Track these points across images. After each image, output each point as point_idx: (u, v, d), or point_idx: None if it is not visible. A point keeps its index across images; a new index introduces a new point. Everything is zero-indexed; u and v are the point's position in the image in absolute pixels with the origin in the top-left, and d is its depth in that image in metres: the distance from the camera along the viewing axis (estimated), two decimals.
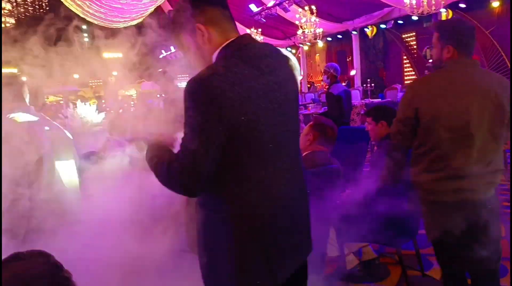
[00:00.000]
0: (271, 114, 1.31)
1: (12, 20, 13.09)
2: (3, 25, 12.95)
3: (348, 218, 2.74)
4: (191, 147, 1.22)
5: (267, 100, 1.30)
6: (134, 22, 16.11)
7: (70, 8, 13.89)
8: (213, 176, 1.27)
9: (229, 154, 1.25)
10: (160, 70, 4.56)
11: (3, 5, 12.01)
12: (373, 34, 13.24)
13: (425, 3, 8.87)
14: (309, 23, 12.19)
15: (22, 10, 13.09)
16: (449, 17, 9.77)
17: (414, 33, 13.85)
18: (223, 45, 1.34)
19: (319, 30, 12.35)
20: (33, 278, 1.10)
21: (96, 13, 14.20)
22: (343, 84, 6.92)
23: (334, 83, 5.54)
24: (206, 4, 1.37)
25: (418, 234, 3.00)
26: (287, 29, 15.04)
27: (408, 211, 2.59)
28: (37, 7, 13.19)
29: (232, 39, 1.35)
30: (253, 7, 13.08)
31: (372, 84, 11.28)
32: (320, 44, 14.71)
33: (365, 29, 13.32)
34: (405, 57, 14.58)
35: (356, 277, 3.14)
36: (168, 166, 1.28)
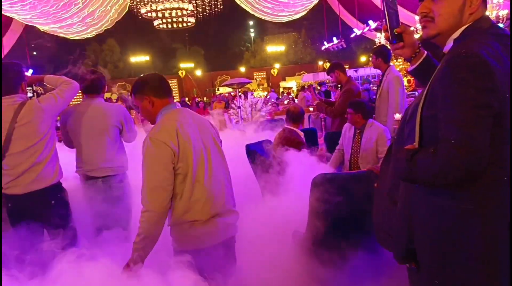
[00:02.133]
0: None
1: (193, 20, 14.61)
2: (185, 25, 14.55)
3: None
4: (464, 123, 1.18)
5: None
6: (298, 16, 16.49)
7: (241, 5, 14.92)
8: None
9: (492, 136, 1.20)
10: (326, 63, 4.54)
11: (185, 6, 13.45)
12: None
13: None
14: (490, 5, 10.83)
15: (201, 10, 14.50)
16: None
17: None
18: (475, 20, 1.36)
19: (503, 12, 10.89)
20: None
21: (264, 9, 14.98)
22: None
23: None
24: None
25: None
26: None
27: None
28: (213, 6, 14.47)
29: (478, 17, 1.38)
30: None
31: None
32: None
33: None
34: None
35: None
36: (433, 152, 1.23)
